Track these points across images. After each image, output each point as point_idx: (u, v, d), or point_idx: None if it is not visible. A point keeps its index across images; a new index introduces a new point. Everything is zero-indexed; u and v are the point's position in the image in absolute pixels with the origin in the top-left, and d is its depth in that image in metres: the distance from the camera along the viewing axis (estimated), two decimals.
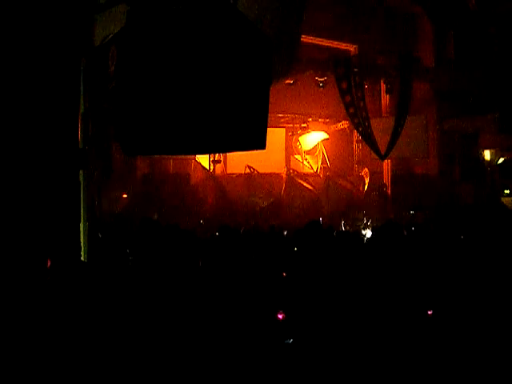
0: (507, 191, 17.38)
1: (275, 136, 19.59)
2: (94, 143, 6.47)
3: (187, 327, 3.74)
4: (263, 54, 5.32)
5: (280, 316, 3.94)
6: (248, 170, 19.00)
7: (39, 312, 3.44)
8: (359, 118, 16.49)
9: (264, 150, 5.91)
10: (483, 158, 18.58)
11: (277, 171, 19.88)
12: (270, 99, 5.97)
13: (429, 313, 3.87)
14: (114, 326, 3.52)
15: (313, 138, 21.49)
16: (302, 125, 20.89)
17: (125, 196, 15.92)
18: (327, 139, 21.53)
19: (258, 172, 19.09)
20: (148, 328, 3.64)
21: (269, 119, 5.94)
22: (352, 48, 18.75)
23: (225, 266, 4.65)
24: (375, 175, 19.91)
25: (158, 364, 3.47)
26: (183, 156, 17.09)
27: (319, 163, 21.26)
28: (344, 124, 20.54)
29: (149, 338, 3.58)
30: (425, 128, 18.62)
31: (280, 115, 19.56)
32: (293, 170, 20.27)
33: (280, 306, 4.03)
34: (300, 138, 21.36)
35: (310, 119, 20.71)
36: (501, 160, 17.98)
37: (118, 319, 3.57)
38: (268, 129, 5.85)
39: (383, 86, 19.10)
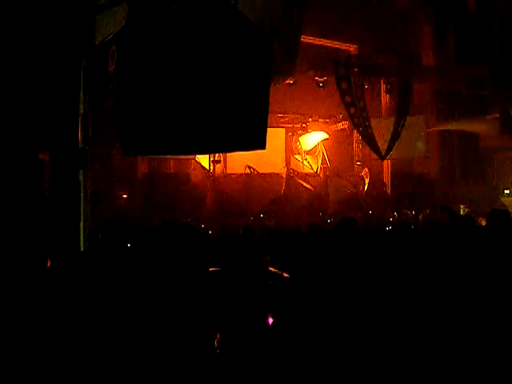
0: (507, 191, 17.38)
1: (275, 136, 19.60)
2: (94, 143, 6.47)
3: (186, 325, 3.74)
4: (263, 54, 5.32)
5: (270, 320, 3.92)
6: (248, 170, 19.02)
7: (39, 311, 3.44)
8: (359, 118, 16.50)
9: (264, 150, 5.91)
10: (483, 158, 18.59)
11: (277, 171, 19.90)
12: (270, 99, 5.97)
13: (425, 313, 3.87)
14: (114, 326, 3.52)
15: (313, 138, 21.50)
16: (302, 125, 20.90)
17: (125, 196, 15.93)
18: (327, 139, 21.54)
19: (258, 172, 19.10)
20: (148, 330, 3.65)
21: (269, 119, 5.94)
22: (352, 48, 18.76)
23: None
24: (375, 175, 19.92)
25: (157, 362, 3.48)
26: (183, 156, 17.11)
27: (319, 163, 21.28)
28: (344, 124, 20.56)
29: (148, 340, 3.58)
30: (425, 128, 18.63)
31: (280, 115, 19.57)
32: (293, 170, 20.28)
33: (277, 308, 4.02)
34: (300, 138, 21.37)
35: (310, 119, 20.72)
36: (501, 160, 17.99)
37: (118, 319, 3.58)
38: (268, 129, 5.85)
39: (383, 86, 19.11)
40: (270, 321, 3.91)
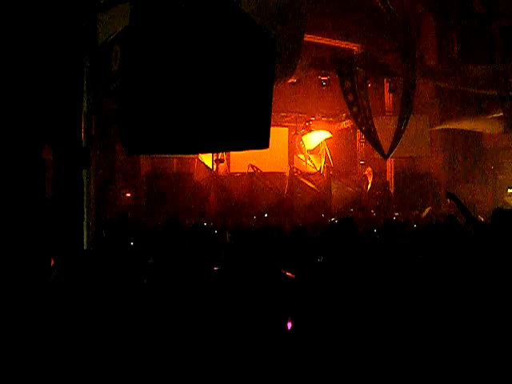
0: (511, 190, 17.37)
1: (278, 135, 19.59)
2: (98, 142, 6.47)
3: (192, 327, 3.74)
4: (266, 52, 5.31)
5: (289, 323, 3.91)
6: (251, 170, 19.01)
7: (42, 310, 3.45)
8: (362, 117, 16.50)
9: (267, 149, 5.90)
10: (486, 157, 18.58)
11: (280, 170, 19.90)
12: (273, 98, 5.96)
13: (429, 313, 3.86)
14: (117, 324, 3.52)
15: (316, 137, 21.49)
16: (306, 124, 20.90)
17: (128, 195, 15.96)
18: (330, 138, 21.53)
19: (261, 171, 19.10)
20: (152, 329, 3.65)
21: (272, 118, 5.93)
22: (355, 47, 18.74)
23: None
24: (378, 174, 19.91)
25: (161, 364, 3.48)
26: (186, 155, 17.13)
27: (322, 162, 21.26)
28: (347, 123, 20.54)
29: (152, 338, 3.58)
30: (428, 127, 18.62)
31: (283, 114, 19.57)
32: (296, 169, 20.27)
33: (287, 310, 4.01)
34: (303, 137, 21.36)
35: (313, 118, 20.71)
36: (504, 159, 17.99)
37: (122, 317, 3.58)
38: (271, 128, 5.84)
39: (386, 85, 19.10)
40: (289, 325, 3.90)
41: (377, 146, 17.07)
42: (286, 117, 20.22)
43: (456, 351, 3.60)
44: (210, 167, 18.77)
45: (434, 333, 3.71)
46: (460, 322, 3.75)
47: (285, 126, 20.93)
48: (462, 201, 6.46)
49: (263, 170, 19.17)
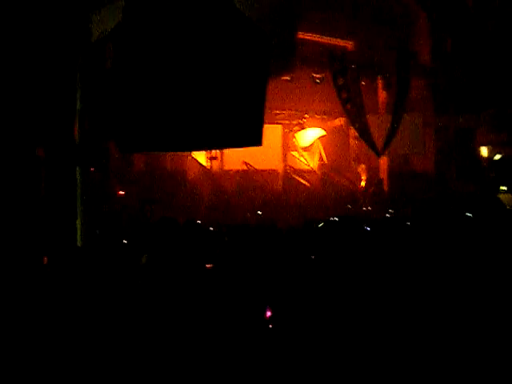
0: (504, 188, 17.40)
1: (272, 132, 19.56)
2: (91, 140, 6.45)
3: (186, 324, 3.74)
4: (260, 50, 5.31)
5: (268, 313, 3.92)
6: (245, 167, 19.01)
7: (36, 307, 3.43)
8: (356, 115, 16.52)
9: (261, 147, 5.91)
10: (480, 154, 18.62)
11: (274, 168, 19.89)
12: (267, 96, 5.95)
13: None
14: (111, 322, 3.51)
15: (309, 135, 21.47)
16: (299, 121, 20.88)
17: (121, 192, 15.91)
18: (324, 136, 21.51)
19: (255, 168, 19.10)
20: (146, 327, 3.64)
21: (265, 116, 5.93)
22: (349, 44, 18.71)
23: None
24: (372, 171, 19.91)
25: (155, 361, 3.48)
26: (180, 152, 17.11)
27: (316, 159, 21.25)
28: (341, 120, 20.51)
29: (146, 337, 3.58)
30: (421, 124, 18.64)
31: (276, 111, 19.53)
32: (289, 166, 20.27)
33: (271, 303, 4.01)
34: (297, 135, 21.35)
35: (307, 115, 20.68)
36: (497, 156, 18.02)
37: (115, 315, 3.57)
38: (265, 125, 5.85)
39: (380, 83, 19.10)
40: (268, 314, 3.91)
41: (370, 143, 17.09)
42: (280, 114, 20.18)
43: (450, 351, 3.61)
44: (204, 164, 18.76)
45: (429, 332, 3.72)
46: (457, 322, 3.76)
47: (278, 124, 20.90)
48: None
49: (257, 168, 19.17)
